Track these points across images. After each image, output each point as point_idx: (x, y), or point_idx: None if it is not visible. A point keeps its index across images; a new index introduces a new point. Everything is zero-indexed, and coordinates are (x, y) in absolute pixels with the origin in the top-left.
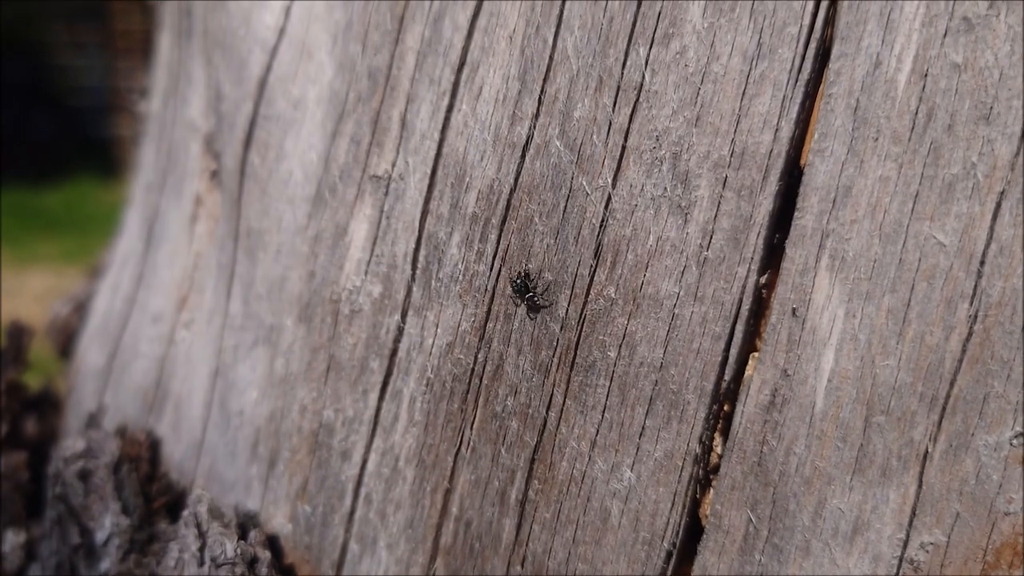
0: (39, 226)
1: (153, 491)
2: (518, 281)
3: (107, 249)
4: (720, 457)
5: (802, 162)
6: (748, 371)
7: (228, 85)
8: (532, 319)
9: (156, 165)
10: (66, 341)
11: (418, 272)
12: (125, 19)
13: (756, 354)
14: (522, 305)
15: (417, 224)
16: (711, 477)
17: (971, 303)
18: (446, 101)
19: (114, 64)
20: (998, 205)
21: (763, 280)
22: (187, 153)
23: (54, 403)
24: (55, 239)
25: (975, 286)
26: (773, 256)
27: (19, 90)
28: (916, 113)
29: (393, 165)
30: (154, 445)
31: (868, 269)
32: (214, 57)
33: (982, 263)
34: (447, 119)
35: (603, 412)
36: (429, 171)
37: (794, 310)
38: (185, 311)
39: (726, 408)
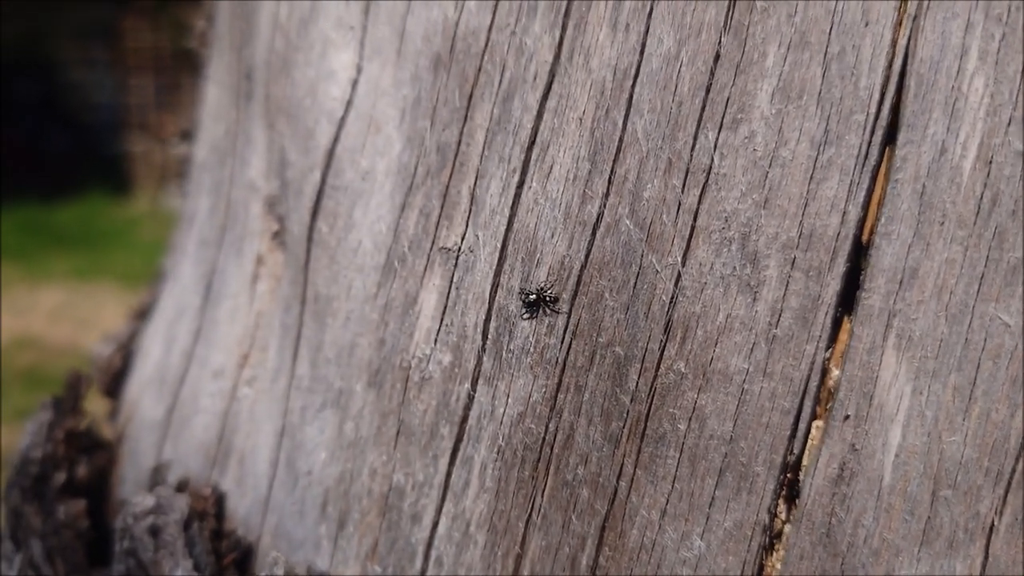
0: (51, 242)
1: (222, 547)
2: (532, 297)
3: (146, 290)
4: (784, 523)
5: (864, 237)
6: (815, 441)
7: (294, 153)
8: (528, 319)
9: (212, 221)
10: (110, 382)
11: (488, 343)
12: (136, 37)
13: (819, 422)
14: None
15: (487, 296)
16: (774, 543)
17: None
18: (516, 178)
19: (125, 81)
20: None
21: (830, 355)
22: (247, 213)
23: (100, 443)
24: (67, 255)
25: None
26: (838, 330)
27: (31, 107)
28: (981, 198)
29: (463, 238)
30: (220, 500)
31: (935, 348)
32: (277, 123)
33: None
34: (517, 196)
35: (673, 482)
36: (499, 245)
37: (862, 387)
38: (247, 368)
39: (790, 476)
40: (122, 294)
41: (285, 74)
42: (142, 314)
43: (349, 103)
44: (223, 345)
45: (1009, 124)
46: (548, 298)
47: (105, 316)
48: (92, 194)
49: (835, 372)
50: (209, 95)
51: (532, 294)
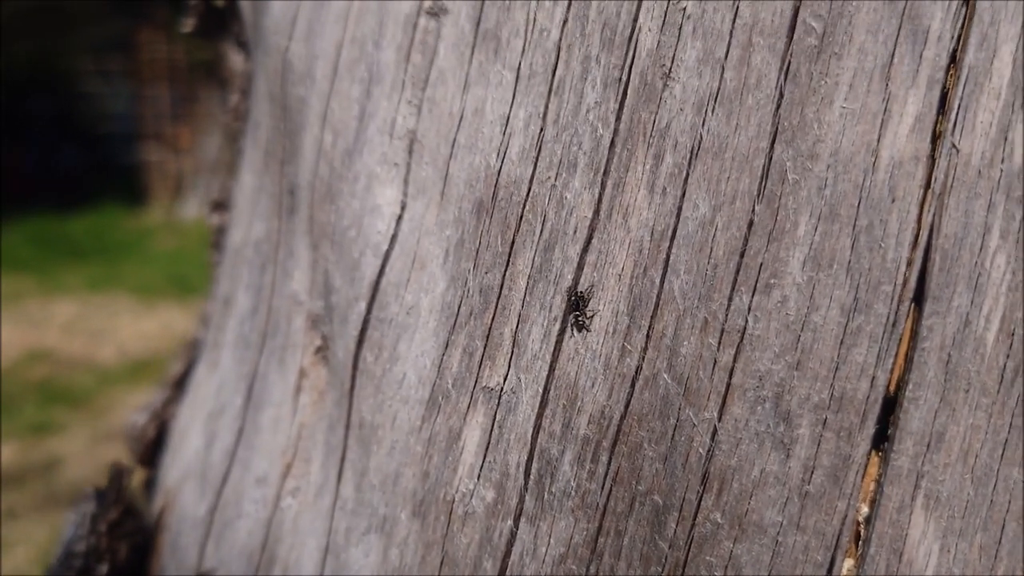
0: (65, 254)
1: None
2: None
3: (178, 358)
4: None
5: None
6: None
7: (339, 279)
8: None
9: (253, 323)
10: (144, 452)
11: (531, 483)
12: (151, 49)
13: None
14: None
15: (529, 438)
16: None
17: None
18: (557, 327)
19: (140, 92)
20: None
21: (862, 513)
22: (289, 324)
23: (139, 528)
24: (81, 267)
25: None
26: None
27: (46, 118)
28: (1004, 368)
29: (505, 379)
30: None
31: (961, 509)
32: (321, 246)
33: None
34: (559, 343)
35: None
36: (541, 390)
37: (892, 544)
38: (290, 479)
39: None
40: (136, 306)
41: (330, 201)
42: (176, 383)
43: (394, 238)
44: (266, 452)
45: None
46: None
47: (119, 328)
48: (107, 205)
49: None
50: (244, 181)
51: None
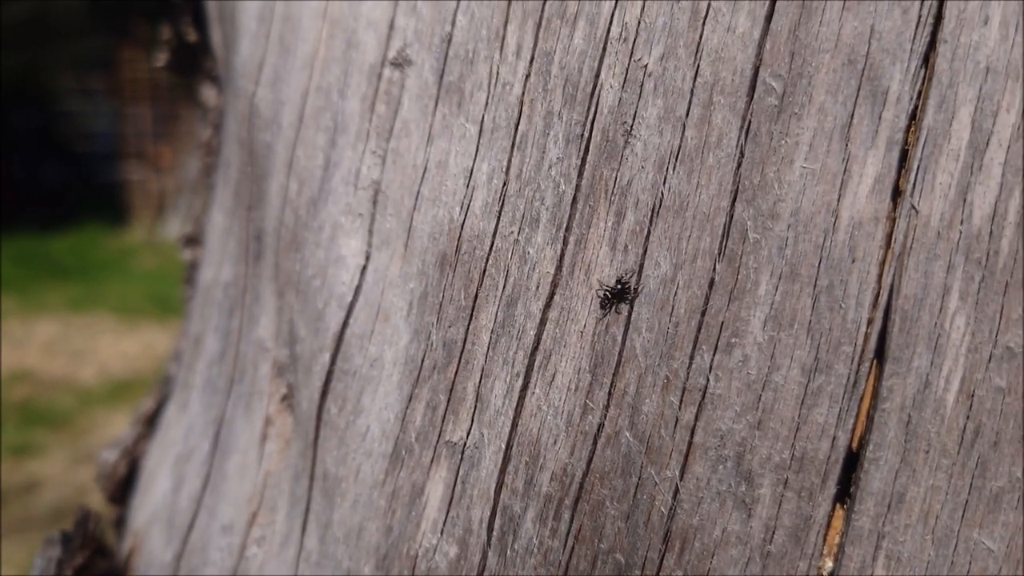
0: (46, 273)
1: None
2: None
3: (150, 394)
4: None
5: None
6: None
7: (303, 329)
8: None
9: (221, 368)
10: (115, 489)
11: (494, 539)
12: (132, 67)
13: None
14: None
15: (492, 494)
16: None
17: None
18: (520, 382)
19: (122, 111)
20: None
21: (826, 568)
22: (256, 370)
23: (103, 551)
24: (62, 287)
25: None
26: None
27: (28, 137)
28: (964, 430)
29: (468, 434)
30: None
31: (922, 570)
32: (287, 294)
33: None
34: (521, 399)
35: None
36: (504, 446)
37: None
38: (256, 527)
39: None
40: (117, 326)
41: (295, 249)
42: (148, 420)
43: (358, 289)
44: (232, 499)
45: (989, 361)
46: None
47: (100, 348)
48: (88, 224)
49: None
50: (215, 219)
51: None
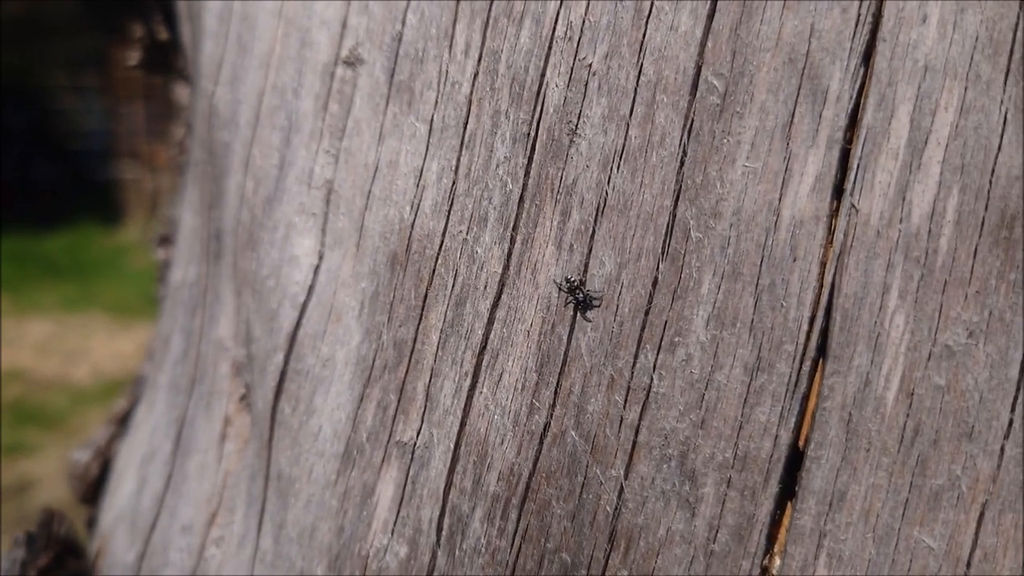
0: (39, 273)
1: None
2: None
3: (125, 394)
4: None
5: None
6: None
7: (259, 329)
8: (585, 316)
9: (184, 368)
10: (87, 490)
11: (443, 539)
12: (126, 65)
13: None
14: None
15: (441, 493)
16: None
17: None
18: (468, 382)
19: (115, 108)
20: (981, 515)
21: (775, 565)
22: (215, 370)
23: (75, 551)
24: (55, 286)
25: None
26: (774, 542)
27: (20, 135)
28: (904, 428)
29: (418, 434)
30: None
31: (863, 568)
32: (244, 294)
33: (968, 566)
34: (469, 399)
35: None
36: (452, 445)
37: None
38: (215, 527)
39: None
40: (111, 325)
41: (251, 249)
42: (120, 420)
43: (311, 289)
44: (192, 499)
45: (929, 359)
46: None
47: (94, 348)
48: (82, 223)
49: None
50: (185, 219)
51: (573, 285)
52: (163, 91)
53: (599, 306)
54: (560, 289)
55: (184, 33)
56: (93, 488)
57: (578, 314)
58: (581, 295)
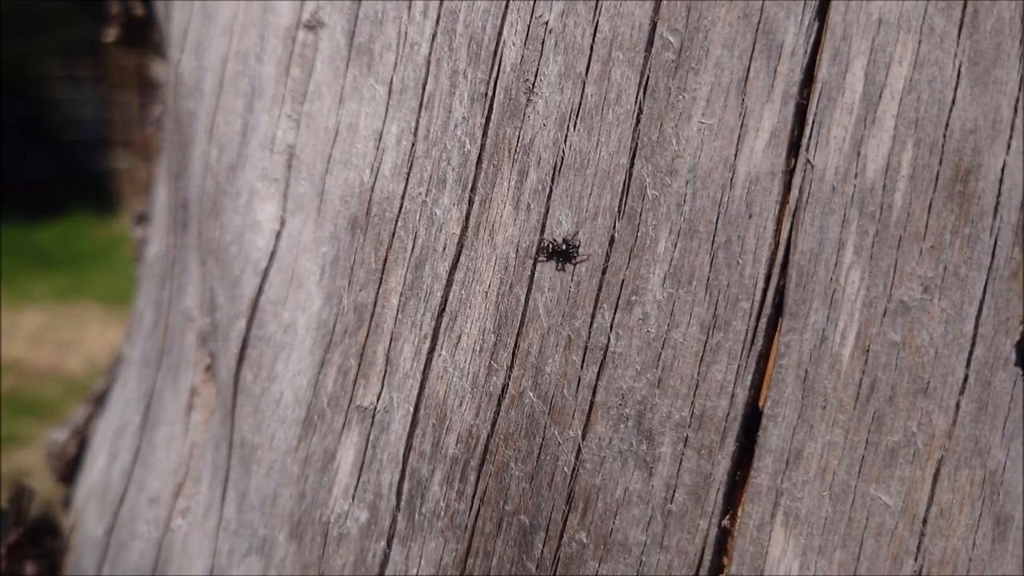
0: (33, 263)
1: None
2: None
3: (104, 375)
4: None
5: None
6: None
7: (222, 296)
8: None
9: (153, 340)
10: (64, 469)
11: (403, 503)
12: (119, 54)
13: None
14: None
15: (401, 457)
16: None
17: (915, 559)
18: (427, 344)
19: (109, 98)
20: (937, 471)
21: (725, 524)
22: (183, 340)
23: (52, 530)
24: (49, 277)
25: (919, 544)
26: (732, 505)
27: (14, 125)
28: (860, 385)
29: (379, 398)
30: None
31: (820, 526)
32: (208, 262)
33: (924, 523)
34: (428, 362)
35: None
36: (412, 409)
37: (753, 561)
38: (181, 498)
39: None
40: (104, 315)
41: (215, 216)
42: (98, 399)
43: (273, 255)
44: (159, 471)
45: (884, 315)
46: (570, 248)
47: (87, 338)
48: (75, 213)
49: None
50: (159, 194)
51: (556, 244)
52: (157, 80)
53: (580, 259)
54: (542, 255)
55: (159, 7)
56: (71, 467)
57: (536, 273)
58: (563, 249)
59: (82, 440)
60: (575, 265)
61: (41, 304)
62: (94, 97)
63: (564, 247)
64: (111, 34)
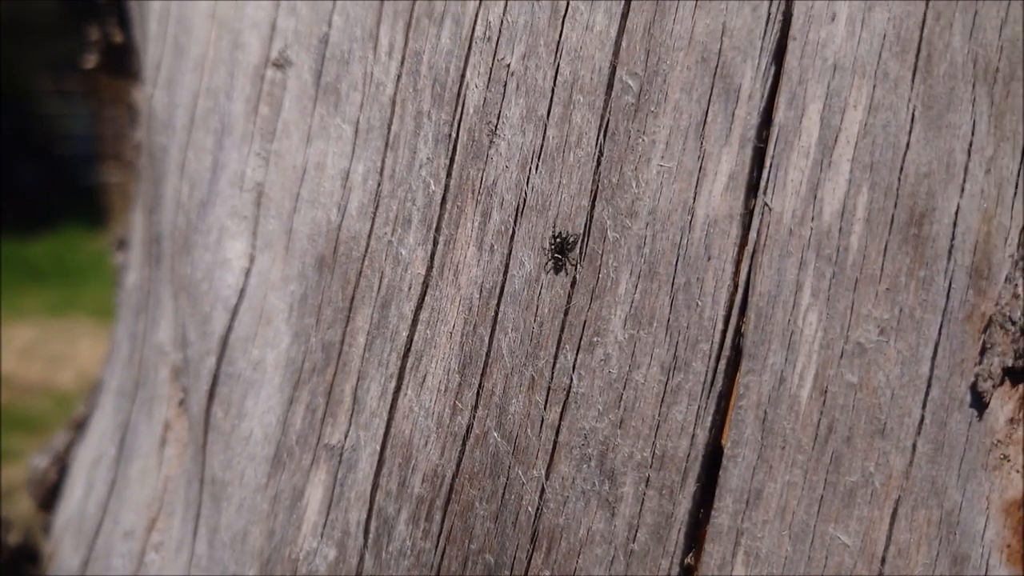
0: (24, 277)
1: None
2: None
3: (84, 401)
4: None
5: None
6: None
7: (193, 333)
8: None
9: (128, 372)
10: (45, 496)
11: (370, 541)
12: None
13: None
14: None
15: (368, 496)
16: None
17: None
18: (393, 384)
19: (100, 112)
20: (895, 511)
21: (688, 562)
22: (156, 374)
23: (32, 557)
24: (40, 291)
25: None
26: (696, 543)
27: (4, 139)
28: (818, 425)
29: (346, 436)
30: None
31: (780, 565)
32: (180, 298)
33: (883, 563)
34: (394, 401)
35: None
36: (379, 448)
37: None
38: (155, 532)
39: None
40: (96, 329)
41: (186, 252)
42: (79, 425)
43: (242, 292)
44: (134, 505)
45: (841, 357)
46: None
47: (79, 352)
48: (67, 227)
49: None
50: (137, 222)
51: (557, 241)
52: None
53: (572, 262)
54: (548, 252)
55: (137, 35)
56: (51, 494)
57: (500, 314)
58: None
59: (63, 467)
60: (575, 265)
61: (32, 318)
62: (85, 111)
63: (563, 243)
64: (91, 60)
